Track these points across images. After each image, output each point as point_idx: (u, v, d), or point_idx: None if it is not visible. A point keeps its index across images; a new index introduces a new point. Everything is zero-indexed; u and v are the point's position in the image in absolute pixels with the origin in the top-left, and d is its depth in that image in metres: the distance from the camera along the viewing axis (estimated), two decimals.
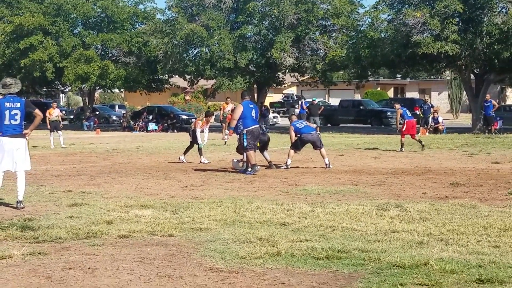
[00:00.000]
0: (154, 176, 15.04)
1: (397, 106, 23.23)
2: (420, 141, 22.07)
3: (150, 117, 44.97)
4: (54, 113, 26.48)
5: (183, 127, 43.13)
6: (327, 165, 16.73)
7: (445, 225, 8.53)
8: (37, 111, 10.67)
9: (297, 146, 17.11)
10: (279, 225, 8.75)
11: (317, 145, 17.04)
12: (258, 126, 16.25)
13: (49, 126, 25.97)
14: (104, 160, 19.63)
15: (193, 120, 29.33)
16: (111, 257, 7.09)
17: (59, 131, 26.05)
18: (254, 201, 10.78)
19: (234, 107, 30.69)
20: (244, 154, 16.13)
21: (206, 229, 8.42)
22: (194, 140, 18.84)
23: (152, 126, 42.89)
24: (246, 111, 15.84)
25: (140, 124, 43.15)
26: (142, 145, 26.92)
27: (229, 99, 35.16)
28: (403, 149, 21.97)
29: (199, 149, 18.80)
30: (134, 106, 64.10)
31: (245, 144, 15.63)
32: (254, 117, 16.02)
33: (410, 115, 22.47)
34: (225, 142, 24.61)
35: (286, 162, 16.85)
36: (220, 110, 30.37)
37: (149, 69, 43.63)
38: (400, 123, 22.44)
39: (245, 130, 15.66)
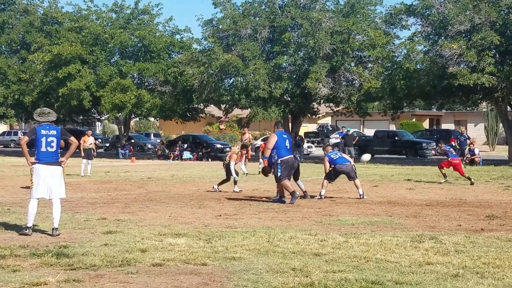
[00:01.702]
0: (188, 205, 15.11)
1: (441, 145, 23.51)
2: (469, 178, 21.59)
3: (185, 145, 45.23)
4: (89, 141, 26.72)
5: (217, 156, 43.31)
6: (361, 196, 16.68)
7: (480, 258, 8.44)
8: (72, 138, 10.84)
9: (330, 176, 17.14)
10: (312, 255, 8.74)
11: (351, 176, 17.02)
12: (292, 156, 16.24)
13: (82, 154, 26.15)
14: (139, 188, 19.79)
15: (228, 150, 29.40)
16: (145, 285, 7.14)
17: (89, 160, 26.19)
18: (288, 231, 10.78)
19: (250, 136, 31.01)
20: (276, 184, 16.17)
21: (240, 259, 8.44)
22: (228, 173, 18.91)
23: (186, 154, 43.11)
24: (280, 141, 15.85)
25: (175, 152, 43.43)
26: (176, 173, 27.08)
27: (246, 128, 35.20)
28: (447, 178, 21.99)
29: (235, 181, 18.92)
30: (169, 135, 64.60)
31: (279, 174, 15.63)
32: (288, 147, 16.04)
33: (454, 153, 22.84)
34: (246, 173, 24.52)
35: (320, 193, 16.85)
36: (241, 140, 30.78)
37: (184, 98, 43.96)
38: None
39: (279, 160, 15.66)
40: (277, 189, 16.20)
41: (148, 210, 13.96)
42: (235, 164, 19.04)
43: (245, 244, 9.41)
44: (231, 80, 39.73)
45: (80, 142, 25.96)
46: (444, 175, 22.10)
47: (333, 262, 8.25)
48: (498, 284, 7.05)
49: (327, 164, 17.08)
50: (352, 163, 17.31)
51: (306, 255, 8.75)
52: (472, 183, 21.19)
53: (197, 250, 8.96)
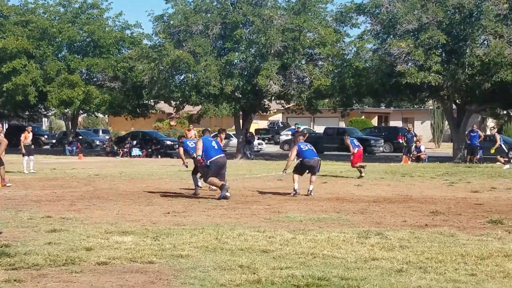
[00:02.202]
0: (136, 202, 15.03)
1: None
2: (360, 169, 22.74)
3: (134, 142, 44.90)
4: (30, 137, 26.02)
5: (168, 153, 43.14)
6: (309, 192, 16.79)
7: (424, 253, 8.61)
8: (1, 137, 10.62)
9: (299, 170, 17.07)
10: (260, 252, 8.78)
11: (314, 172, 17.07)
12: (222, 155, 16.32)
13: (23, 151, 25.37)
14: (86, 186, 19.60)
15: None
16: (89, 284, 7.08)
17: (31, 156, 25.52)
18: (236, 228, 10.81)
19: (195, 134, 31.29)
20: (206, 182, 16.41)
21: (187, 256, 8.43)
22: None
23: (136, 151, 42.80)
24: (207, 143, 16.19)
25: (124, 149, 43.08)
26: (125, 170, 26.88)
27: (191, 125, 35.16)
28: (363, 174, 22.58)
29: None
30: (118, 131, 64.03)
31: (207, 174, 15.91)
32: (216, 147, 16.26)
33: (357, 144, 23.92)
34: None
35: (294, 187, 16.80)
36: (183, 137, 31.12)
37: (134, 94, 43.65)
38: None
39: (208, 161, 15.89)
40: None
41: (95, 208, 13.84)
42: None
43: (193, 242, 9.42)
44: (182, 77, 39.59)
45: (21, 138, 25.50)
46: (361, 170, 22.77)
47: (281, 259, 8.31)
48: (440, 279, 7.20)
49: (294, 153, 17.04)
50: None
51: (254, 252, 8.79)
52: (361, 176, 22.25)
53: (144, 248, 8.93)
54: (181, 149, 19.25)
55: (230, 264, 7.93)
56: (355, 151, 23.43)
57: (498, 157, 29.85)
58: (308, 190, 16.83)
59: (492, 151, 30.88)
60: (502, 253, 8.62)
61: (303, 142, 17.53)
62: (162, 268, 7.83)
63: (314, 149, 17.53)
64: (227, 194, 15.79)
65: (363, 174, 22.68)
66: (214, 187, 17.14)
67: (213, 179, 15.91)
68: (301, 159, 17.08)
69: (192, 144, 18.39)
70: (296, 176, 16.96)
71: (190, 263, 8.06)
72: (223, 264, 7.95)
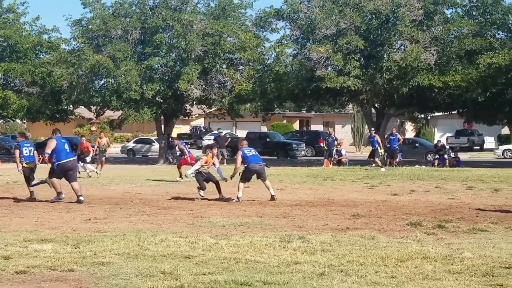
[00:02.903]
0: (56, 209, 14.73)
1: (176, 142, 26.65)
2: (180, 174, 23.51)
3: None
4: None
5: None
6: (273, 197, 16.68)
7: (345, 256, 8.71)
8: None
9: (245, 177, 16.77)
10: (183, 258, 8.73)
11: (263, 176, 16.90)
12: (71, 159, 16.62)
13: None
14: (4, 193, 19.09)
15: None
16: None
17: None
18: (159, 234, 10.71)
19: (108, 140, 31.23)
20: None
21: (108, 263, 8.31)
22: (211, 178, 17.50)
23: None
24: (59, 144, 16.35)
25: (44, 155, 42.05)
26: (45, 177, 26.18)
27: (102, 133, 34.86)
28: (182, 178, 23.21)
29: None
30: (37, 137, 62.62)
31: (51, 175, 16.30)
32: (68, 150, 16.43)
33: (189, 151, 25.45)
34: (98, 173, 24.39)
35: (238, 195, 16.50)
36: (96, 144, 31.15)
37: (53, 99, 42.74)
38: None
39: (57, 163, 16.14)
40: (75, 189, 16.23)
41: (13, 216, 13.50)
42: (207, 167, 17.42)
43: (115, 248, 9.28)
44: (102, 81, 39.05)
45: None
46: (180, 174, 23.47)
47: (203, 264, 8.28)
48: (361, 282, 7.30)
49: (239, 159, 16.75)
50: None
51: (177, 258, 8.73)
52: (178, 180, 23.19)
53: (64, 255, 8.75)
54: (17, 152, 17.91)
55: (152, 270, 7.85)
56: (188, 156, 24.47)
57: (377, 159, 30.54)
58: (272, 195, 16.67)
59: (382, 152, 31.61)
60: (421, 255, 8.80)
61: (247, 147, 17.26)
62: (82, 276, 7.69)
63: (258, 155, 17.36)
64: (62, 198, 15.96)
65: (178, 179, 23.45)
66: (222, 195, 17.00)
67: (55, 181, 16.11)
68: (246, 164, 16.75)
69: (26, 151, 17.73)
70: (241, 184, 16.62)
71: (111, 270, 7.93)
72: (145, 270, 7.86)
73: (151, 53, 37.45)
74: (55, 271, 7.90)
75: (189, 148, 46.63)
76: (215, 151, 17.92)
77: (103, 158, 29.38)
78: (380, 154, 31.01)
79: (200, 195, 17.13)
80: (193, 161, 23.15)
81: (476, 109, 37.25)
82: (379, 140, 30.97)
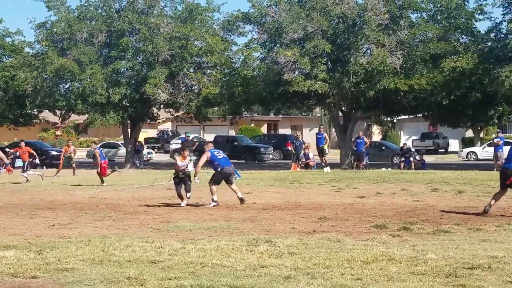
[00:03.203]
0: (19, 215, 14.53)
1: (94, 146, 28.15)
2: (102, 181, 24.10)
3: (17, 153, 43.41)
4: None
5: (53, 164, 41.94)
6: (242, 199, 16.51)
7: (311, 259, 8.72)
8: None
9: (217, 180, 16.58)
10: (148, 263, 8.66)
11: (231, 180, 16.79)
12: None
13: None
14: None
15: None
16: None
17: None
18: (124, 239, 10.62)
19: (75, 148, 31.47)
20: None
21: (73, 269, 8.21)
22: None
23: (19, 162, 41.33)
24: None
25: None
26: (7, 182, 25.90)
27: (69, 141, 34.71)
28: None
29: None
30: (1, 142, 61.84)
31: None
32: None
33: (104, 156, 25.82)
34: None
35: (213, 199, 16.34)
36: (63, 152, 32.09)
37: (16, 103, 42.22)
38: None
39: None
40: None
41: None
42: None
43: (79, 254, 9.18)
44: (67, 85, 38.73)
45: None
46: (102, 180, 24.15)
47: (169, 269, 8.22)
48: (327, 284, 7.31)
49: (204, 160, 16.58)
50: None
51: (142, 263, 8.66)
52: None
53: (27, 262, 8.62)
54: None
55: (117, 276, 7.77)
56: (103, 161, 24.70)
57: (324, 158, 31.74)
58: (240, 198, 16.52)
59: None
60: (386, 257, 8.84)
61: (216, 149, 17.15)
62: (45, 282, 7.59)
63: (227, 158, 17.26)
64: None
65: (104, 184, 23.85)
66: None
67: None
68: (220, 168, 16.53)
69: None
70: (213, 187, 16.45)
71: (75, 276, 7.84)
72: (110, 276, 7.78)
73: (117, 56, 37.21)
74: (17, 278, 7.79)
75: (156, 152, 46.54)
76: (186, 153, 17.33)
77: (73, 164, 31.05)
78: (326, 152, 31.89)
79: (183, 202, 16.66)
80: (105, 166, 24.59)
81: (440, 112, 37.67)
82: (327, 137, 31.83)
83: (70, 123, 55.99)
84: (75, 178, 28.19)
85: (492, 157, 33.49)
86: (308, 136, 64.63)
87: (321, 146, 33.45)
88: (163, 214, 14.60)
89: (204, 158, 16.74)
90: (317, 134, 34.68)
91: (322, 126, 35.61)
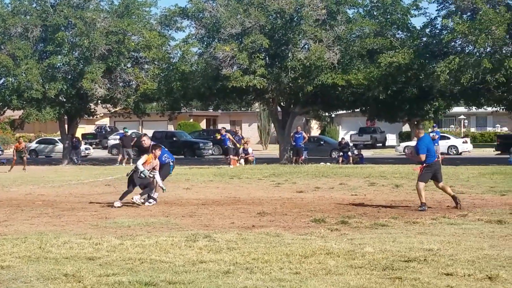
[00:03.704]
0: None
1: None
2: None
3: None
4: None
5: None
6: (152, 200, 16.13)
7: (250, 254, 8.77)
8: None
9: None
10: (86, 259, 8.59)
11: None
12: None
13: None
14: None
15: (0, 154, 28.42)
16: None
17: None
18: (62, 235, 10.50)
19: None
20: None
21: (8, 267, 8.09)
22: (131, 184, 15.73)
23: None
24: None
25: None
26: None
27: (21, 138, 34.17)
28: None
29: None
30: None
31: None
32: None
33: None
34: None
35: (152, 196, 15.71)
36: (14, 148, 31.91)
37: None
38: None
39: None
40: None
41: None
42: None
43: (15, 252, 9.05)
44: (1, 81, 37.96)
45: None
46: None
47: (107, 266, 8.17)
48: (266, 278, 7.37)
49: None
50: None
51: (80, 259, 8.58)
52: None
53: None
54: None
55: (55, 273, 7.69)
56: None
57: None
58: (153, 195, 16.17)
59: None
60: (324, 251, 8.96)
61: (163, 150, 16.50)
62: None
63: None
64: None
65: None
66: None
67: None
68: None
69: None
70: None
71: (11, 274, 7.73)
72: (47, 273, 7.69)
73: (53, 51, 36.62)
74: None
75: (94, 148, 46.00)
76: (158, 152, 15.97)
77: (24, 158, 31.76)
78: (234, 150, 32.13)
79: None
80: None
81: (378, 107, 38.23)
82: (231, 138, 31.99)
83: (6, 119, 54.90)
84: (18, 174, 27.70)
85: None
86: (247, 131, 64.83)
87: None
88: (101, 211, 14.46)
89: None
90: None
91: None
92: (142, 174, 15.34)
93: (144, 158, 15.64)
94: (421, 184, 14.08)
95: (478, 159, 38.24)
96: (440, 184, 14.51)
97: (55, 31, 36.17)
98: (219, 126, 71.75)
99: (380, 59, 32.45)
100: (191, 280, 7.28)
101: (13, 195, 18.47)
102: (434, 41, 33.35)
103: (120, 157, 35.84)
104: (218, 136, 34.46)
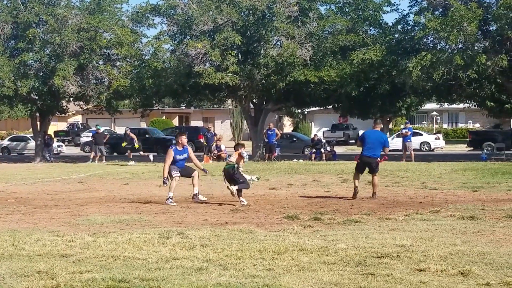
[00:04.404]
0: None
1: None
2: None
3: None
4: None
5: None
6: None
7: (224, 251, 8.81)
8: None
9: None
10: (59, 257, 8.58)
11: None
12: None
13: None
14: None
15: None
16: None
17: None
18: (34, 233, 10.47)
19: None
20: None
21: None
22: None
23: None
24: None
25: None
26: None
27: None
28: None
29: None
30: None
31: None
32: None
33: None
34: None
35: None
36: None
37: None
38: None
39: None
40: None
41: None
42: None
43: None
44: None
45: None
46: None
47: (81, 263, 8.17)
48: (239, 275, 7.41)
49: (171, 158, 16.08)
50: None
51: (53, 257, 8.57)
52: None
53: None
54: None
55: (28, 270, 7.68)
56: None
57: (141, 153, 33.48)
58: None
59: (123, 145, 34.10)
60: (297, 247, 9.01)
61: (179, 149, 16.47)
62: None
63: None
64: None
65: None
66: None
67: None
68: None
69: None
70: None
71: None
72: (20, 271, 7.67)
73: (24, 48, 36.27)
74: None
75: (66, 145, 45.66)
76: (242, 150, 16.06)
77: None
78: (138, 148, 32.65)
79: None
80: None
81: (350, 103, 38.39)
82: (133, 136, 32.45)
83: None
84: None
85: (400, 148, 34.38)
86: (220, 128, 64.85)
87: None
88: (74, 208, 14.42)
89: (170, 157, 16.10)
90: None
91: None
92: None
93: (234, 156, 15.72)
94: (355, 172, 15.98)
95: (451, 155, 38.60)
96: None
97: (26, 28, 35.84)
98: (192, 123, 71.78)
99: (352, 56, 32.60)
100: (164, 277, 7.30)
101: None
102: (406, 38, 33.57)
103: (92, 154, 35.69)
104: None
